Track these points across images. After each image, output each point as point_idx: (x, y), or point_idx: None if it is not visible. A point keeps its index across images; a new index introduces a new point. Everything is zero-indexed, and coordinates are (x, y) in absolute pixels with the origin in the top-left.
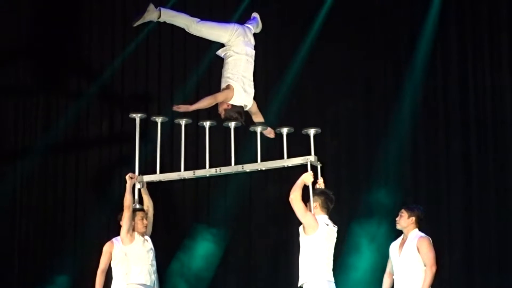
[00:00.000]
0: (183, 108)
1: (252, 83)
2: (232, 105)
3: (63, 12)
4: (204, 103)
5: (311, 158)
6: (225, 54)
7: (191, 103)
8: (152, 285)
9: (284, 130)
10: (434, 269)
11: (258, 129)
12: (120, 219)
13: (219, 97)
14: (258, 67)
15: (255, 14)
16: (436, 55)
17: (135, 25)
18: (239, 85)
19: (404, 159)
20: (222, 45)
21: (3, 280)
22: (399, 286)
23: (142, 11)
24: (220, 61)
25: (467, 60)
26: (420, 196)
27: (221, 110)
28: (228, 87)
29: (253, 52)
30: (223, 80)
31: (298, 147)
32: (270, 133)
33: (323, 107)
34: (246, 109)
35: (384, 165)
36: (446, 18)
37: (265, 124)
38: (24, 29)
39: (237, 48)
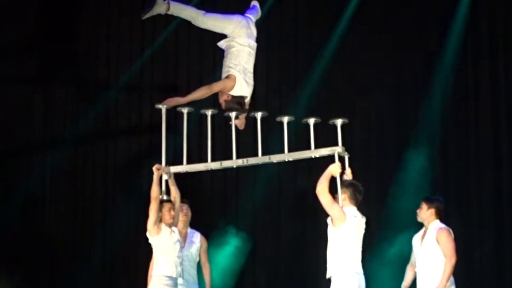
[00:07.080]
0: (174, 101)
1: (252, 75)
2: (232, 96)
3: (94, 3)
4: (198, 93)
5: (339, 149)
6: (227, 45)
7: (184, 95)
8: (178, 276)
9: (311, 121)
10: (453, 260)
11: (285, 119)
12: None
13: (215, 87)
14: (288, 58)
15: (254, 2)
16: (467, 47)
17: (143, 18)
18: (241, 75)
19: (434, 152)
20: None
21: (33, 271)
22: (420, 278)
23: (151, 3)
24: None
25: (498, 52)
26: (451, 190)
27: (221, 101)
28: (229, 76)
29: (255, 44)
30: (224, 70)
31: (329, 139)
32: (241, 125)
33: (352, 99)
34: (245, 100)
35: (414, 158)
36: (477, 9)
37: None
38: (53, 20)
39: (240, 40)
